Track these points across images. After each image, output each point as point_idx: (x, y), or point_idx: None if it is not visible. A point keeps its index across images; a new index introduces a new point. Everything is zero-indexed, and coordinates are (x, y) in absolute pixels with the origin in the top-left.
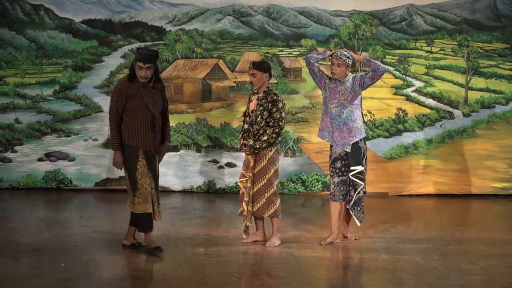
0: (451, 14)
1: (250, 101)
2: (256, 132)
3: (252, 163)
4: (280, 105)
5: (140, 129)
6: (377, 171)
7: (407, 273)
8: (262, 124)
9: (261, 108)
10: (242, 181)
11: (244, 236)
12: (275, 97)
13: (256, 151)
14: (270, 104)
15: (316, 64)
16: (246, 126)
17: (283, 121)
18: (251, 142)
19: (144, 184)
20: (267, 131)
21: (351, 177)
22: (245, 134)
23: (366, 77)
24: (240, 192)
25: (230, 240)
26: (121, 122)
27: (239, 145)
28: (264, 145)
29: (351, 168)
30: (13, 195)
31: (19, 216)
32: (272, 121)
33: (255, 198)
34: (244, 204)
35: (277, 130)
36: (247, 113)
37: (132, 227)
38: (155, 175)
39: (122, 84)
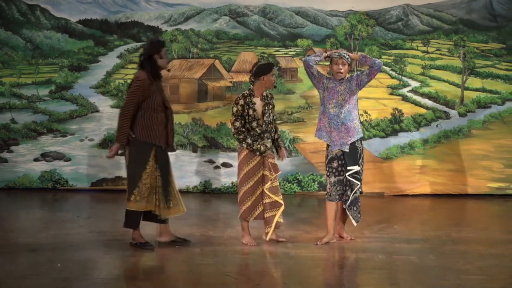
0: (447, 14)
1: (253, 104)
2: (270, 131)
3: (271, 162)
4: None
5: (157, 126)
6: (373, 171)
7: (403, 273)
8: (273, 122)
9: (270, 106)
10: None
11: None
12: (271, 93)
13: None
14: (273, 100)
15: (315, 67)
16: (259, 130)
17: None
18: (269, 144)
19: (147, 184)
20: (278, 129)
21: (347, 177)
22: (259, 139)
23: (362, 75)
24: (273, 200)
25: (226, 240)
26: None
27: (260, 151)
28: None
29: (348, 168)
30: (9, 195)
31: (15, 216)
32: (274, 117)
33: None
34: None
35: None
36: (256, 117)
37: (162, 224)
38: (164, 173)
39: (145, 82)
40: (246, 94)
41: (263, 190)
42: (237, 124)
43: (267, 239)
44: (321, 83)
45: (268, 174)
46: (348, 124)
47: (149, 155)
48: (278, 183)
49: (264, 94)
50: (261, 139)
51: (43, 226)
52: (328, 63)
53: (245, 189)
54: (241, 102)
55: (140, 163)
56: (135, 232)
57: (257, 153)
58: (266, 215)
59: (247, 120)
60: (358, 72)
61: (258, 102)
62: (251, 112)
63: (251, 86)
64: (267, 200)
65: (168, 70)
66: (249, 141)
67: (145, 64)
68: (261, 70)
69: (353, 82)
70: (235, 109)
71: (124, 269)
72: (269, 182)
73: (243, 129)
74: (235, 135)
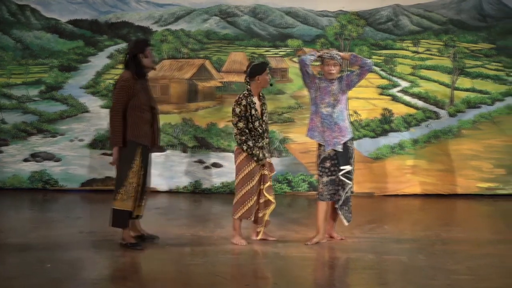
0: (437, 14)
1: (254, 104)
2: (268, 130)
3: (268, 161)
4: None
5: (143, 125)
6: (363, 171)
7: (393, 273)
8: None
9: (265, 105)
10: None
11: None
12: (262, 93)
13: None
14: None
15: (310, 66)
16: (260, 130)
17: None
18: (268, 154)
19: (133, 183)
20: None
21: (340, 176)
22: (260, 138)
23: (353, 75)
24: (272, 206)
25: (216, 240)
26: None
27: (258, 157)
28: None
29: (341, 167)
30: None
31: (5, 217)
32: None
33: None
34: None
35: None
36: (258, 117)
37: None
38: (146, 172)
39: (129, 81)
40: (246, 94)
41: (261, 189)
42: (241, 124)
43: (258, 238)
44: (314, 83)
45: (267, 173)
46: (341, 123)
47: (135, 154)
48: (271, 182)
49: (260, 94)
50: (262, 138)
51: (33, 226)
52: (318, 63)
53: (247, 189)
54: (244, 102)
55: (126, 162)
56: (125, 232)
57: (254, 159)
58: (259, 214)
59: (249, 120)
60: (349, 72)
61: (257, 102)
62: (253, 112)
63: (248, 86)
64: (262, 200)
65: (154, 69)
66: (250, 143)
67: (129, 64)
68: (255, 70)
69: (344, 82)
70: (238, 109)
71: (113, 270)
72: (268, 182)
73: (247, 130)
74: (237, 136)
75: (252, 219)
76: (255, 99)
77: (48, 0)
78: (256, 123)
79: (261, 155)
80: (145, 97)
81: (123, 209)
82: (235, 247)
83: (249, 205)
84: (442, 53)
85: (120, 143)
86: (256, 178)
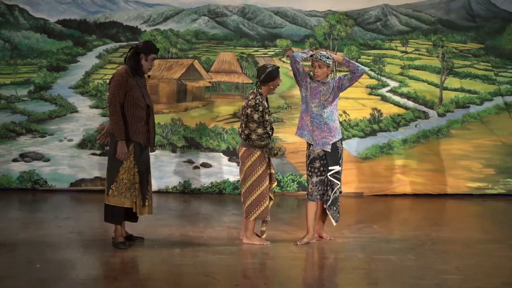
0: (425, 14)
1: (267, 109)
2: None
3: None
4: None
5: (136, 122)
6: (353, 171)
7: (382, 273)
8: None
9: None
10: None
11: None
12: None
13: None
14: None
15: (301, 63)
16: (271, 133)
17: None
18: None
19: (125, 180)
20: None
21: (329, 177)
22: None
23: (344, 79)
24: (270, 203)
25: (206, 240)
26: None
27: (280, 151)
28: None
29: (329, 168)
30: None
31: None
32: None
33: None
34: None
35: None
36: (270, 122)
37: (129, 221)
38: (143, 170)
39: (122, 76)
40: (261, 99)
41: (270, 188)
42: (260, 130)
43: (264, 236)
44: (304, 81)
45: (273, 172)
46: (330, 124)
47: (127, 150)
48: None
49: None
50: (271, 140)
51: (22, 226)
52: (309, 63)
53: (261, 189)
54: (261, 108)
55: (117, 158)
56: (117, 229)
57: (274, 152)
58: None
59: (264, 126)
60: (341, 75)
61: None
62: (267, 117)
63: (260, 90)
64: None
65: (148, 76)
66: (270, 145)
67: (129, 58)
68: (271, 76)
69: (335, 84)
70: (256, 116)
71: (103, 270)
72: (276, 182)
73: (266, 135)
74: (257, 141)
75: (269, 218)
76: (265, 103)
77: (36, 0)
78: (268, 127)
79: (280, 152)
80: (140, 94)
81: (115, 205)
82: (225, 248)
83: (265, 205)
84: (430, 53)
85: (122, 136)
86: (267, 178)
